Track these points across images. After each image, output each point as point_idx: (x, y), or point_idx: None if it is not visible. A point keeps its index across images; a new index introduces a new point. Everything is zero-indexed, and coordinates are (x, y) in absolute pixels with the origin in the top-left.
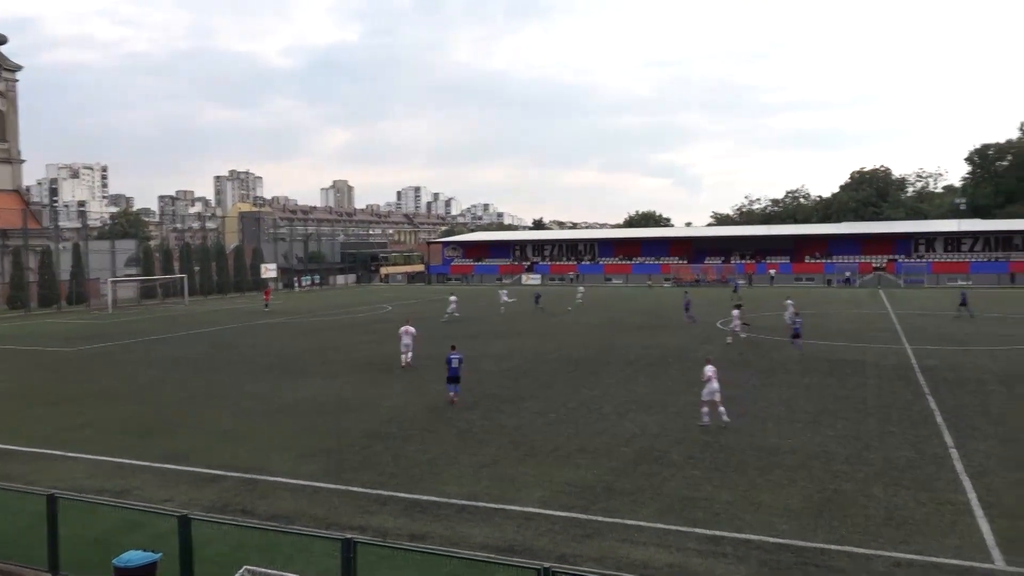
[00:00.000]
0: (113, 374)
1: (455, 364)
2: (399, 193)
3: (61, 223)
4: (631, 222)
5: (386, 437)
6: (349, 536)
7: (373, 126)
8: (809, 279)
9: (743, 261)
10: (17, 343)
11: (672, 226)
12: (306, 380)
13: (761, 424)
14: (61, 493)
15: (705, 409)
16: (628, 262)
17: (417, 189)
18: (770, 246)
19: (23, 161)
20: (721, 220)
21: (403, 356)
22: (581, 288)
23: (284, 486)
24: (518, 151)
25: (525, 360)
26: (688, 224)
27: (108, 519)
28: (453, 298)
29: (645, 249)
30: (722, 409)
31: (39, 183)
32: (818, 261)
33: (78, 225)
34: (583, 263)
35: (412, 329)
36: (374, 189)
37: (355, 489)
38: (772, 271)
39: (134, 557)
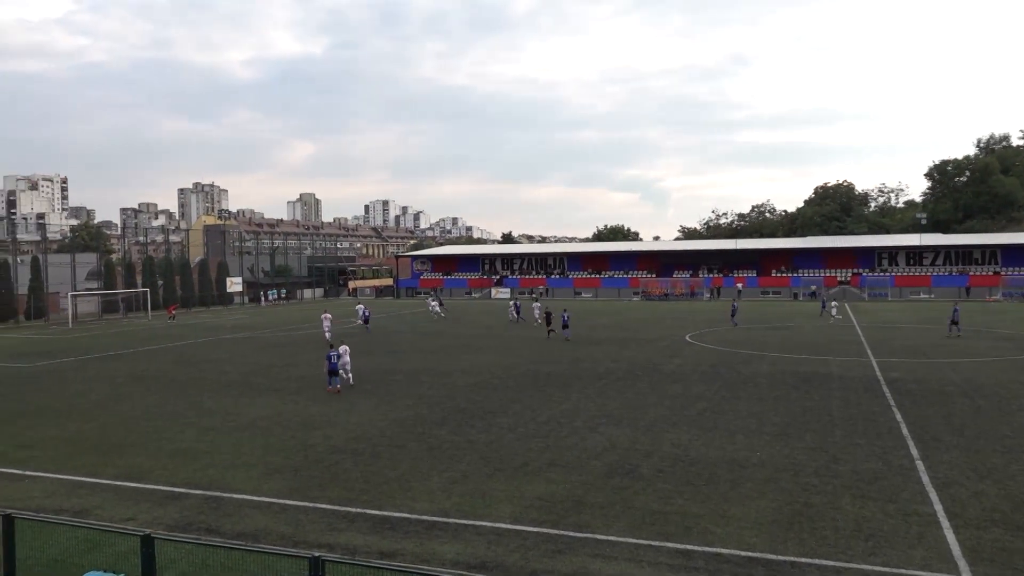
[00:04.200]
0: (71, 390)
1: (334, 360)
2: (367, 207)
3: (19, 236)
4: (600, 236)
5: (354, 453)
6: (317, 554)
7: (339, 139)
8: (776, 292)
9: (711, 275)
10: None
11: (641, 240)
12: (270, 396)
13: (730, 437)
14: (18, 513)
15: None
16: (597, 276)
17: (385, 203)
18: (737, 260)
19: None
20: (689, 234)
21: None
22: (537, 304)
23: (249, 503)
24: (485, 165)
25: (494, 374)
26: (656, 238)
27: (68, 539)
28: (434, 302)
29: (614, 263)
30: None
31: None
32: (784, 275)
33: (37, 238)
34: (552, 277)
35: (330, 315)
36: (342, 202)
37: (322, 506)
38: (739, 285)
39: None
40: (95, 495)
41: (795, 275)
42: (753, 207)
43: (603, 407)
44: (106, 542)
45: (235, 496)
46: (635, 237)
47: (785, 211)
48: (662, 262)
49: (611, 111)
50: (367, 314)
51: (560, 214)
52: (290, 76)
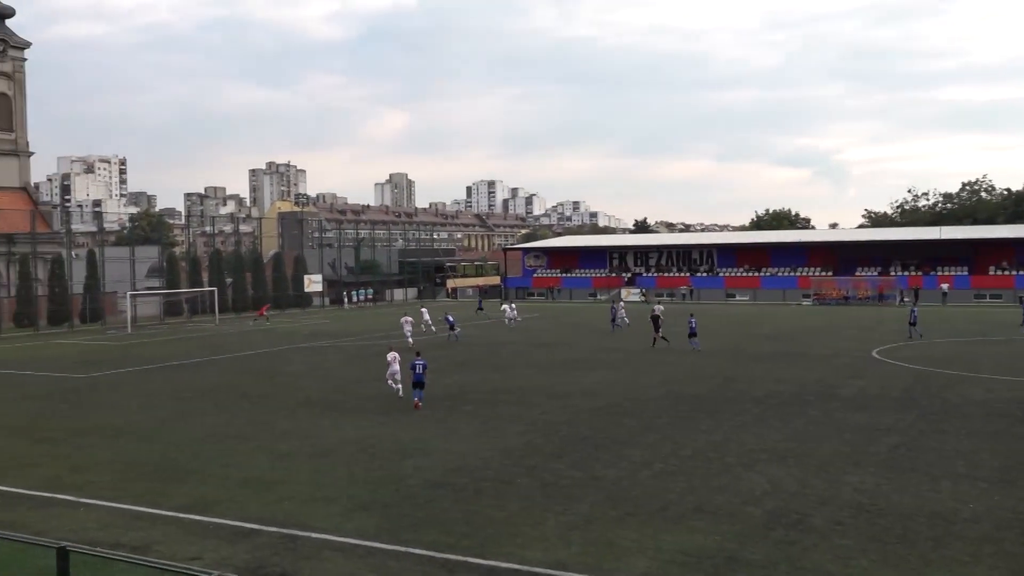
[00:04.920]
0: (130, 406)
1: (419, 370)
2: (469, 189)
3: (74, 226)
4: (759, 223)
5: (453, 488)
6: None
7: (436, 107)
8: (995, 295)
9: (906, 273)
10: (24, 368)
11: (812, 228)
12: (355, 417)
13: (932, 482)
14: (73, 546)
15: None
16: (756, 274)
17: (491, 184)
18: (942, 254)
19: (31, 154)
20: (877, 221)
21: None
22: (659, 306)
23: (330, 544)
24: (613, 137)
25: (625, 396)
26: (833, 226)
27: None
28: (508, 306)
29: (777, 258)
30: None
31: (49, 179)
32: (1007, 273)
33: (93, 229)
34: (698, 275)
35: (411, 319)
36: (439, 184)
37: (416, 551)
38: (945, 285)
39: None
40: (156, 528)
41: (1021, 273)
42: (964, 185)
43: (763, 439)
44: None
45: (314, 535)
46: (805, 225)
47: (1008, 190)
48: (841, 256)
49: (773, 65)
50: (451, 320)
51: (707, 196)
52: (378, 33)
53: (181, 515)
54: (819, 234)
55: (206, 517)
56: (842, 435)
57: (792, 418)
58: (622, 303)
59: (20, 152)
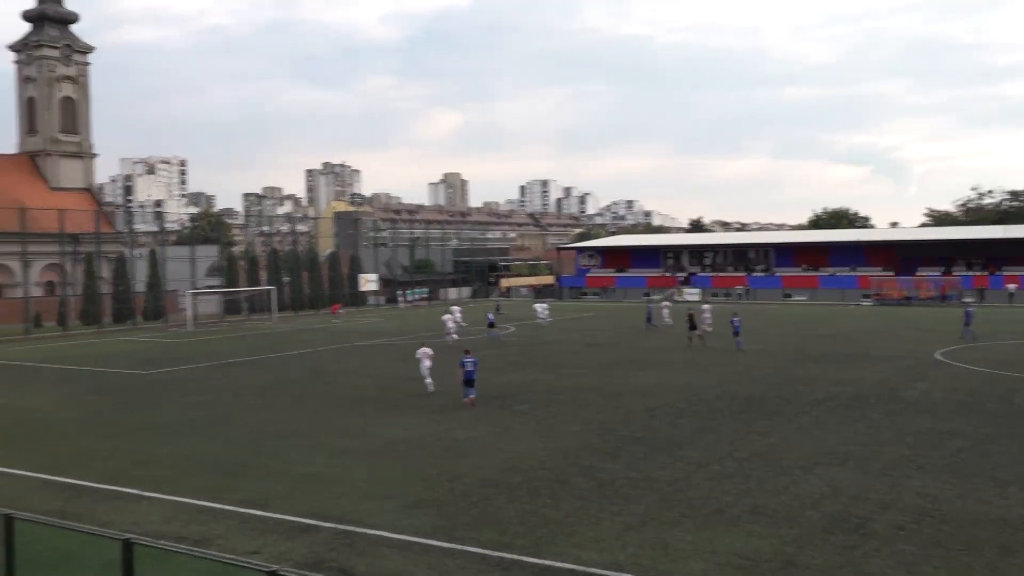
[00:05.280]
0: (192, 402)
1: (470, 368)
2: (523, 188)
3: (136, 226)
4: (817, 222)
5: (508, 487)
6: None
7: (490, 107)
8: None
9: (971, 273)
10: (90, 364)
11: (872, 227)
12: (410, 415)
13: (1000, 488)
14: (137, 538)
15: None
16: (814, 273)
17: (545, 183)
18: (1009, 253)
19: (95, 155)
20: (939, 219)
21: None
22: (666, 304)
23: (386, 541)
24: (667, 135)
25: (680, 397)
26: (894, 224)
27: (188, 571)
28: (539, 305)
29: (836, 257)
30: None
31: (112, 180)
32: None
33: (155, 228)
34: (754, 274)
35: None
36: (493, 184)
37: (471, 549)
38: (1011, 286)
39: None
40: (217, 522)
41: None
42: None
43: (822, 442)
44: None
45: (370, 532)
46: (865, 223)
47: None
48: (902, 256)
49: (832, 61)
50: (491, 319)
51: (764, 195)
52: (432, 33)
53: (241, 510)
54: (879, 233)
55: (265, 512)
56: (904, 438)
57: (852, 421)
58: (666, 303)
59: (85, 154)
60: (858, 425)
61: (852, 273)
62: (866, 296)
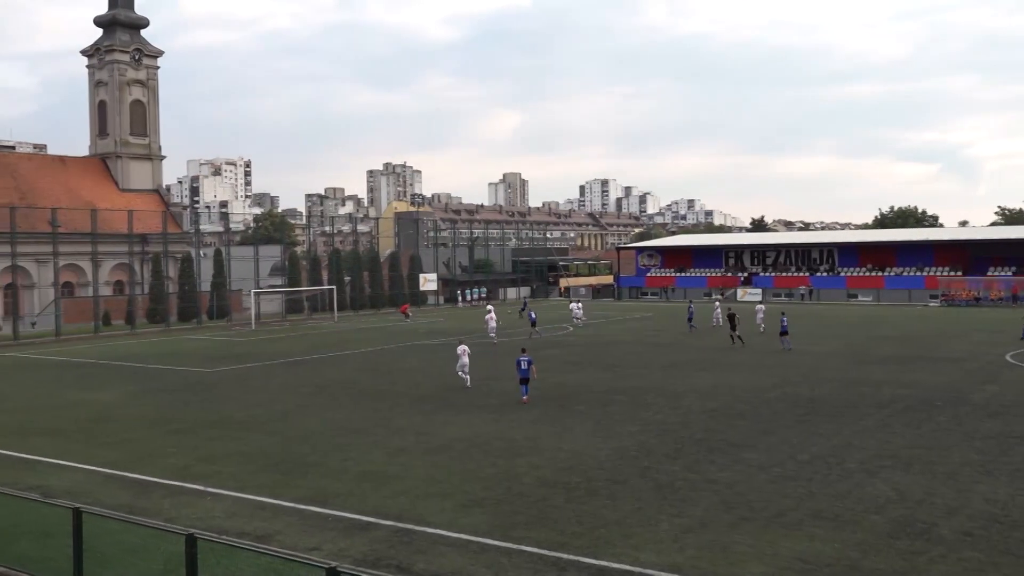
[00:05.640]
0: (254, 400)
1: (524, 366)
2: (582, 188)
3: (202, 226)
4: (883, 221)
5: (566, 487)
6: None
7: (549, 107)
8: None
9: None
10: (156, 362)
11: (941, 226)
12: (468, 414)
13: None
14: (201, 533)
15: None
16: (879, 274)
17: (604, 183)
18: None
19: (163, 157)
20: (1011, 218)
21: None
22: (760, 306)
23: (443, 540)
24: (729, 133)
25: (739, 398)
26: (963, 223)
27: (250, 566)
28: (577, 305)
29: (903, 257)
30: None
31: (179, 181)
32: None
33: (220, 229)
34: (818, 275)
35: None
36: (552, 183)
37: (528, 549)
38: None
39: None
40: (277, 519)
41: None
42: None
43: (886, 445)
44: (289, 573)
45: (428, 530)
46: (933, 222)
47: None
48: (971, 255)
49: (898, 57)
50: (533, 317)
51: (828, 193)
52: (492, 34)
53: (301, 506)
54: (948, 232)
55: (325, 509)
56: (972, 442)
57: (919, 424)
58: (717, 303)
59: (153, 156)
60: (924, 428)
61: (919, 273)
62: (933, 297)
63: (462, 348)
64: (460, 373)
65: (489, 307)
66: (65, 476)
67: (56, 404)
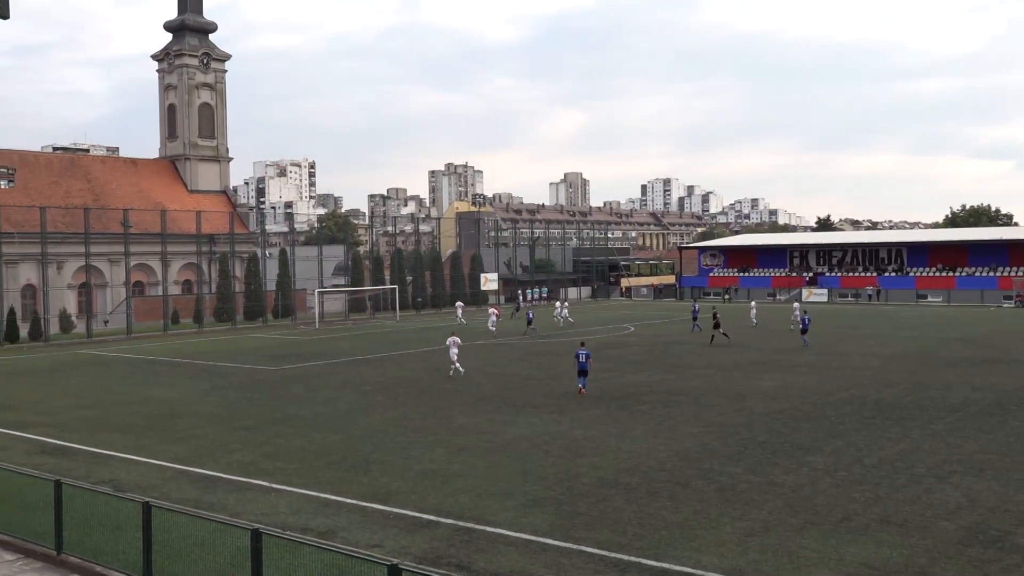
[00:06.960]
0: (318, 398)
1: (583, 359)
2: (644, 187)
3: (268, 227)
4: (954, 220)
5: (626, 488)
6: None
7: (610, 106)
8: None
9: None
10: (223, 360)
11: (1016, 225)
12: (529, 413)
13: None
14: (266, 529)
15: None
16: (950, 274)
17: (666, 182)
18: None
19: (231, 159)
20: None
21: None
22: (754, 304)
23: (504, 539)
24: (794, 131)
25: (804, 400)
26: None
27: (313, 562)
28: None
29: (975, 256)
30: None
31: (246, 183)
32: None
33: (285, 229)
34: (886, 275)
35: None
36: (614, 183)
37: (588, 549)
38: None
39: None
40: (340, 515)
41: None
42: None
43: (957, 450)
44: (352, 569)
45: (489, 529)
46: (1007, 221)
47: None
48: None
49: (970, 51)
50: (530, 316)
51: (896, 192)
52: (554, 33)
53: (364, 503)
54: (1023, 231)
55: (387, 506)
56: None
57: (991, 428)
58: (753, 304)
59: (221, 158)
60: (997, 433)
61: (992, 274)
62: (1007, 298)
63: (452, 339)
64: (455, 364)
65: (491, 308)
66: (135, 471)
67: (127, 400)
